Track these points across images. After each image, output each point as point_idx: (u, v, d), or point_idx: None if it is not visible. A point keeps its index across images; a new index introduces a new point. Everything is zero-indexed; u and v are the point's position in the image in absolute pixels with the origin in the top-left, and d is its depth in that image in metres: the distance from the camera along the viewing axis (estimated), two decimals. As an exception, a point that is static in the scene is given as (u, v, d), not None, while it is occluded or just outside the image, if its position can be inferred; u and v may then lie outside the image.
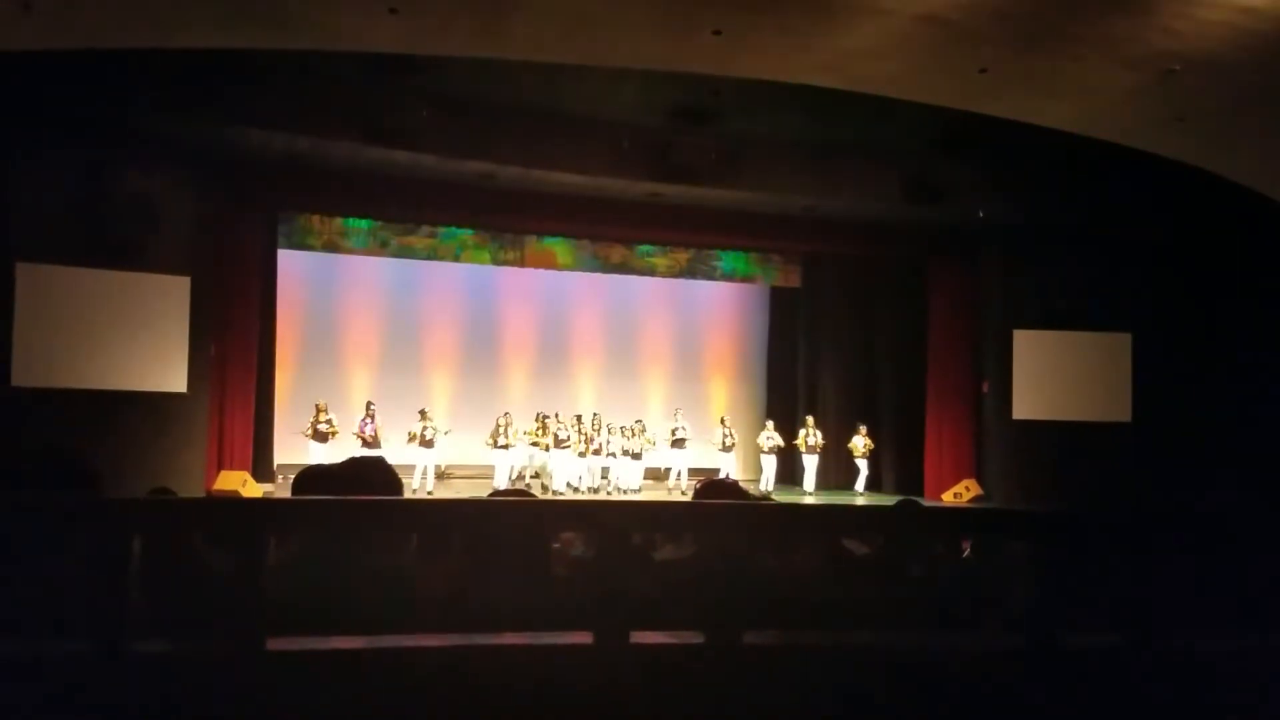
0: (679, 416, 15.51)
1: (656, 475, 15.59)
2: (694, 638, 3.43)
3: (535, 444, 14.52)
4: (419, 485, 13.67)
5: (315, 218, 14.69)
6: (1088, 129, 11.01)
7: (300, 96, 11.63)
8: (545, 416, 14.69)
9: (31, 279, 11.29)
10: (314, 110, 11.79)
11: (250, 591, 3.16)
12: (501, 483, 14.00)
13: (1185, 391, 14.28)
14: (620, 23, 8.81)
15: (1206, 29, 8.41)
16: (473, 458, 14.96)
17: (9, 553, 3.15)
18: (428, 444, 13.83)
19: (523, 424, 14.63)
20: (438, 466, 14.58)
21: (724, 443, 15.45)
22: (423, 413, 14.06)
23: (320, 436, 13.46)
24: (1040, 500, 13.51)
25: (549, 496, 13.92)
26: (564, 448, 14.34)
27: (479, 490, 13.46)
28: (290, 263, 14.88)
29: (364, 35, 9.22)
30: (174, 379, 12.29)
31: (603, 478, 14.98)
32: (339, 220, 14.83)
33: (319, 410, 13.64)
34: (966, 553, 4.50)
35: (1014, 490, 14.81)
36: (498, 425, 14.23)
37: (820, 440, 15.73)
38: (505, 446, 14.19)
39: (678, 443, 15.14)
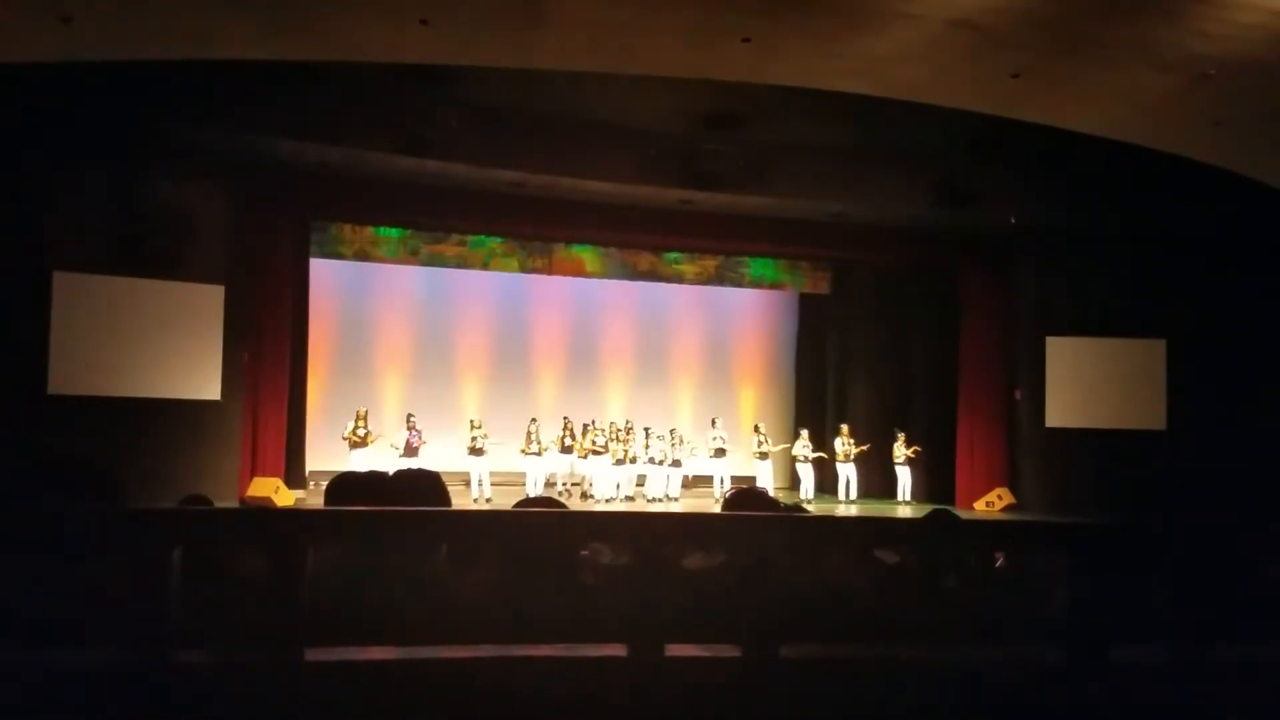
0: (718, 425, 15.48)
1: (686, 483, 15.53)
2: (730, 651, 3.42)
3: (569, 450, 14.52)
4: (477, 494, 13.80)
5: (347, 226, 14.82)
6: (1122, 134, 10.90)
7: (332, 107, 11.74)
8: (585, 424, 14.68)
9: (68, 288, 11.45)
10: (346, 120, 11.90)
11: (288, 602, 3.18)
12: (531, 490, 14.04)
13: (1221, 398, 14.09)
14: (650, 31, 8.82)
15: (1241, 32, 8.31)
16: (503, 465, 15.00)
17: (49, 562, 3.19)
18: (477, 452, 13.96)
19: (551, 431, 14.67)
20: (466, 474, 14.67)
21: (760, 450, 15.40)
22: (473, 422, 14.19)
23: (359, 443, 13.61)
24: (1074, 509, 13.36)
25: (586, 504, 13.94)
26: (601, 455, 14.34)
27: (510, 497, 13.54)
28: (322, 271, 15.01)
29: (395, 46, 9.29)
30: (208, 387, 12.42)
31: (638, 485, 14.95)
32: (370, 229, 14.95)
33: (359, 417, 13.78)
34: (1000, 563, 4.45)
35: (1047, 499, 14.66)
36: (528, 433, 14.30)
37: (855, 448, 15.65)
38: (536, 454, 14.25)
39: (719, 452, 15.07)
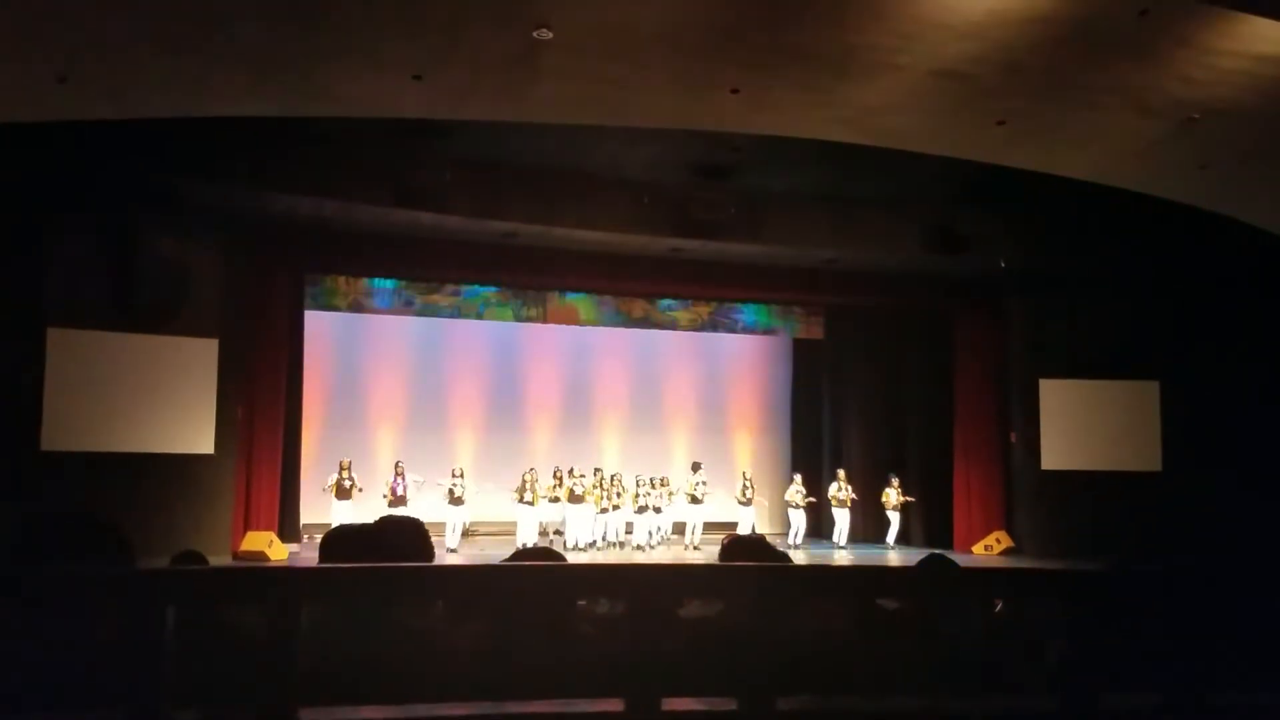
0: (700, 471, 15.36)
1: (681, 529, 15.36)
2: (727, 704, 3.39)
3: (555, 499, 14.42)
4: (453, 544, 13.75)
5: (341, 278, 14.87)
6: (1109, 178, 11.01)
7: (326, 161, 11.84)
8: (569, 469, 14.62)
9: (62, 344, 11.44)
10: (340, 174, 11.99)
11: (282, 661, 3.15)
12: (525, 539, 13.93)
13: (1215, 439, 14.10)
14: (640, 84, 8.93)
15: (1225, 77, 8.43)
16: (496, 514, 14.92)
17: (43, 623, 3.16)
18: (458, 501, 13.90)
19: (546, 480, 14.60)
20: (463, 523, 14.62)
21: (744, 495, 15.31)
22: (454, 471, 14.15)
23: (343, 494, 13.53)
24: (1072, 551, 13.30)
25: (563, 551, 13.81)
26: (580, 503, 14.25)
27: (503, 546, 13.50)
28: (317, 323, 15.02)
29: (389, 102, 9.39)
30: (201, 441, 12.39)
31: (627, 533, 14.83)
32: (364, 280, 15.01)
33: (343, 468, 13.72)
34: (999, 608, 4.43)
35: (1046, 541, 14.61)
36: (524, 481, 14.22)
37: (851, 494, 15.59)
38: (530, 503, 14.16)
39: (693, 499, 14.84)
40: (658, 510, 14.65)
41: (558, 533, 14.74)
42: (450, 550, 13.60)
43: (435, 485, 13.93)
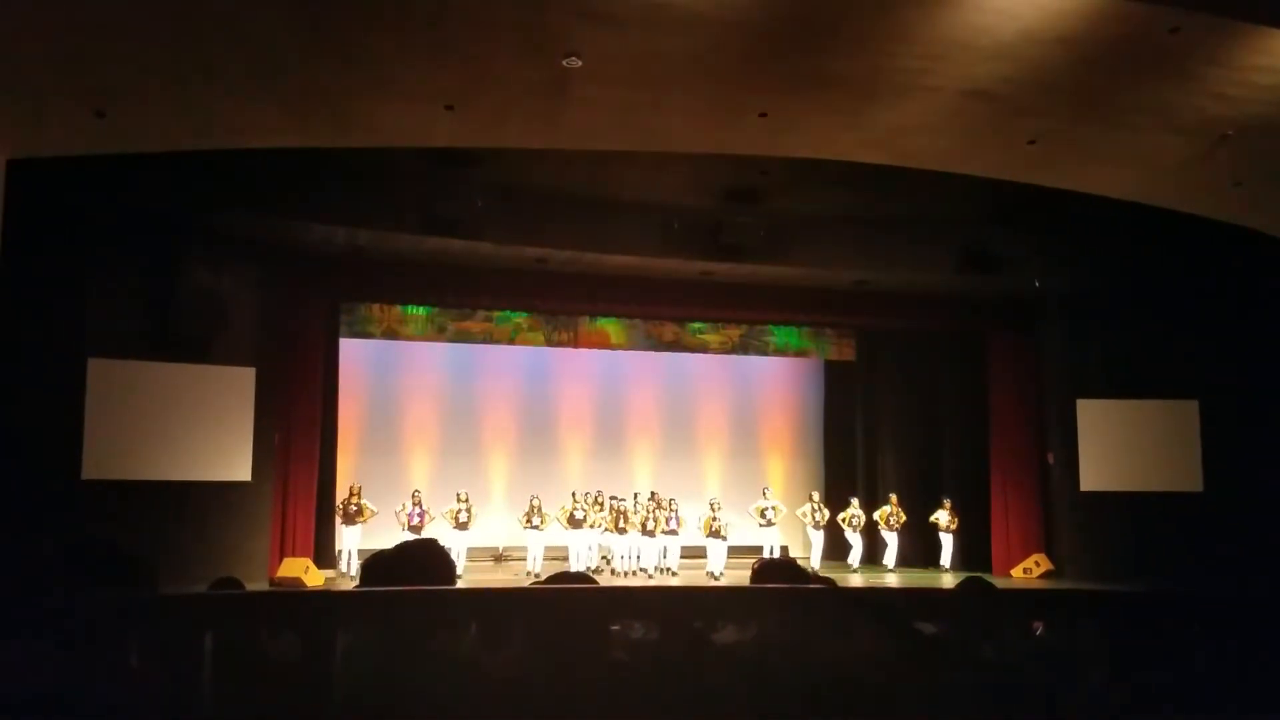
0: (767, 496, 15.29)
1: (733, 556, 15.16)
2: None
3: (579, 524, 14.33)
4: (459, 569, 13.77)
5: (375, 306, 15.04)
6: (1143, 196, 10.93)
7: (360, 191, 11.98)
8: (573, 493, 14.59)
9: (102, 374, 11.61)
10: (373, 203, 12.13)
11: (319, 687, 3.18)
12: (575, 564, 13.91)
13: (1258, 459, 13.86)
14: (669, 111, 9.00)
15: (1258, 94, 8.37)
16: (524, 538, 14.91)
17: (79, 652, 3.21)
18: (462, 526, 13.93)
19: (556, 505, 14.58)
20: (495, 549, 14.57)
21: (765, 517, 15.11)
22: (459, 495, 14.14)
23: (350, 519, 13.63)
24: (1113, 573, 13.11)
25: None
26: (579, 527, 14.13)
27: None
28: (351, 350, 15.18)
29: (422, 131, 9.51)
30: (239, 468, 12.50)
31: (685, 557, 14.70)
32: (398, 307, 15.16)
33: (353, 492, 13.81)
34: (1039, 631, 4.38)
35: (1086, 564, 14.38)
36: (579, 503, 14.23)
37: (902, 517, 15.48)
38: (538, 527, 14.17)
39: (714, 533, 14.42)
40: (724, 537, 14.46)
41: (605, 559, 14.68)
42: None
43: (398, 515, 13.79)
